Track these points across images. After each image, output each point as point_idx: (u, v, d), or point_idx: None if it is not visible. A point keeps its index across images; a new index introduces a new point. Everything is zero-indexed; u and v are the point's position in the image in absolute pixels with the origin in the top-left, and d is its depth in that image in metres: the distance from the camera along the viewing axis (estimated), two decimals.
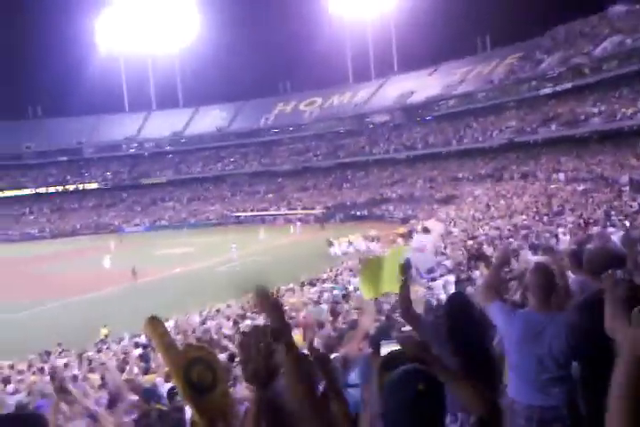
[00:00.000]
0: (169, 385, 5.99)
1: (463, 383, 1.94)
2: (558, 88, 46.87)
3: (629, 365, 1.25)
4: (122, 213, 67.96)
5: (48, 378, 8.24)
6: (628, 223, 16.02)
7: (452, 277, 13.80)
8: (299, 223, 49.87)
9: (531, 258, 13.76)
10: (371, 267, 10.15)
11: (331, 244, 34.02)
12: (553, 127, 44.29)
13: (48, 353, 14.34)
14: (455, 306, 3.53)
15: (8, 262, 40.73)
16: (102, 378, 8.52)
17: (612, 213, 19.83)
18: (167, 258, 37.53)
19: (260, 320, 12.38)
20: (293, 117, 73.08)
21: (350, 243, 34.60)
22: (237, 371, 5.78)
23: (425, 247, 15.24)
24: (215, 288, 21.53)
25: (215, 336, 11.09)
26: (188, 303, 19.04)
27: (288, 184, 67.46)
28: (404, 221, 44.91)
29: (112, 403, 5.42)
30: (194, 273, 31.38)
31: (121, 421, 4.72)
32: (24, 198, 70.16)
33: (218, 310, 16.81)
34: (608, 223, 17.09)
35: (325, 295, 14.76)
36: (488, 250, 19.41)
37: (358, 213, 54.80)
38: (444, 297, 9.46)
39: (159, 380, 7.12)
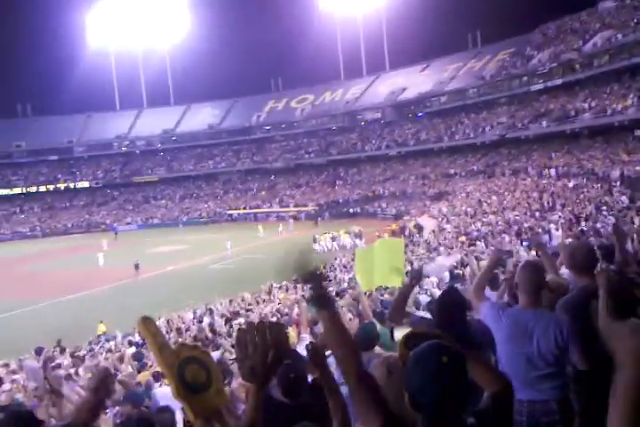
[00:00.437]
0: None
1: (478, 360, 2.01)
2: (549, 84, 46.99)
3: (634, 380, 1.23)
4: (113, 211, 67.57)
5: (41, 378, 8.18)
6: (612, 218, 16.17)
7: (446, 274, 13.87)
8: (291, 221, 49.82)
9: (523, 254, 13.84)
10: (364, 258, 10.19)
11: (315, 240, 34.23)
12: (544, 123, 44.43)
13: (40, 351, 14.19)
14: (447, 302, 3.55)
15: None
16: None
17: (604, 208, 19.98)
18: (160, 256, 37.44)
19: (254, 317, 12.37)
20: (285, 115, 72.93)
21: (333, 239, 34.86)
22: (234, 368, 5.79)
23: (444, 271, 14.25)
24: (209, 286, 21.50)
25: (209, 334, 11.08)
26: (181, 300, 19.03)
27: (280, 181, 67.35)
28: (397, 217, 45.05)
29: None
30: (187, 271, 31.32)
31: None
32: (14, 197, 69.66)
33: (210, 309, 16.77)
34: (599, 218, 17.21)
35: None
36: (479, 245, 19.55)
37: (351, 211, 54.84)
38: (437, 293, 9.48)
39: (151, 379, 7.12)
